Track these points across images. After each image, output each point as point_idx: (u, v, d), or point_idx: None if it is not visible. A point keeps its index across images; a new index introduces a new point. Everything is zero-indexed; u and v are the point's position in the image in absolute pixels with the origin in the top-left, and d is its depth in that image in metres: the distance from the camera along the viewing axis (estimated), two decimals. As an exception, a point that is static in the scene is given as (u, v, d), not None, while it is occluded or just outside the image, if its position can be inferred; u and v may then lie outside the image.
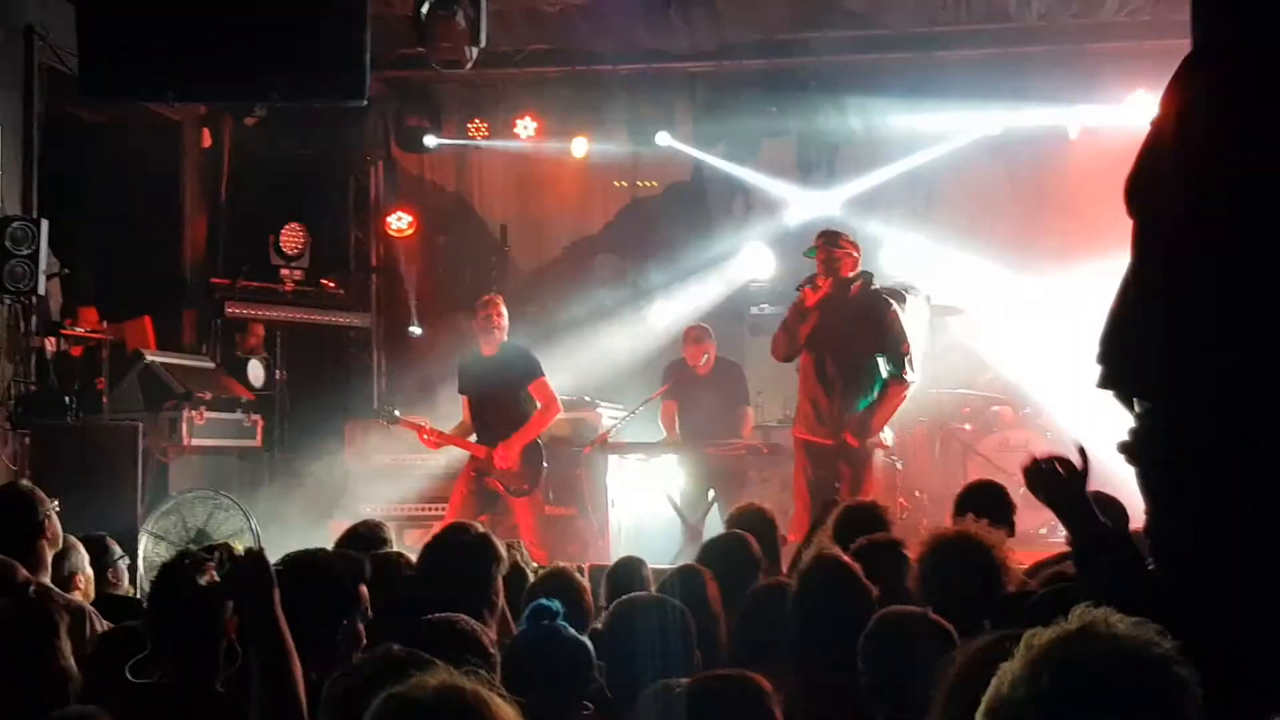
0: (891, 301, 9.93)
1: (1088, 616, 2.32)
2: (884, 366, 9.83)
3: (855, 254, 10.05)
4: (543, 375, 10.88)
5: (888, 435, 10.04)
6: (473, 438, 10.88)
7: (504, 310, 10.92)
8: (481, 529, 5.72)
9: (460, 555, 5.42)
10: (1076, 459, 4.05)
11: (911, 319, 10.08)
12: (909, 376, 9.88)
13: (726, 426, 11.65)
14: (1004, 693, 2.30)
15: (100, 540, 7.25)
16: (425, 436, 10.92)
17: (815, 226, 14.65)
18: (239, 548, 4.02)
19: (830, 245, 9.99)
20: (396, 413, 11.44)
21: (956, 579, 4.80)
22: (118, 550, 7.45)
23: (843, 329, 9.88)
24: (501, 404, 10.82)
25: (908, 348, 9.86)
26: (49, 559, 6.11)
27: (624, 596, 4.86)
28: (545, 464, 10.94)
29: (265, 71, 10.01)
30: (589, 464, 11.82)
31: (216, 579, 4.00)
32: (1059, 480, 4.05)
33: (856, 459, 9.86)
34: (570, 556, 10.78)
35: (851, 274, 9.98)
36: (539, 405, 10.84)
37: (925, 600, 4.73)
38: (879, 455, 10.04)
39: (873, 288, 10.04)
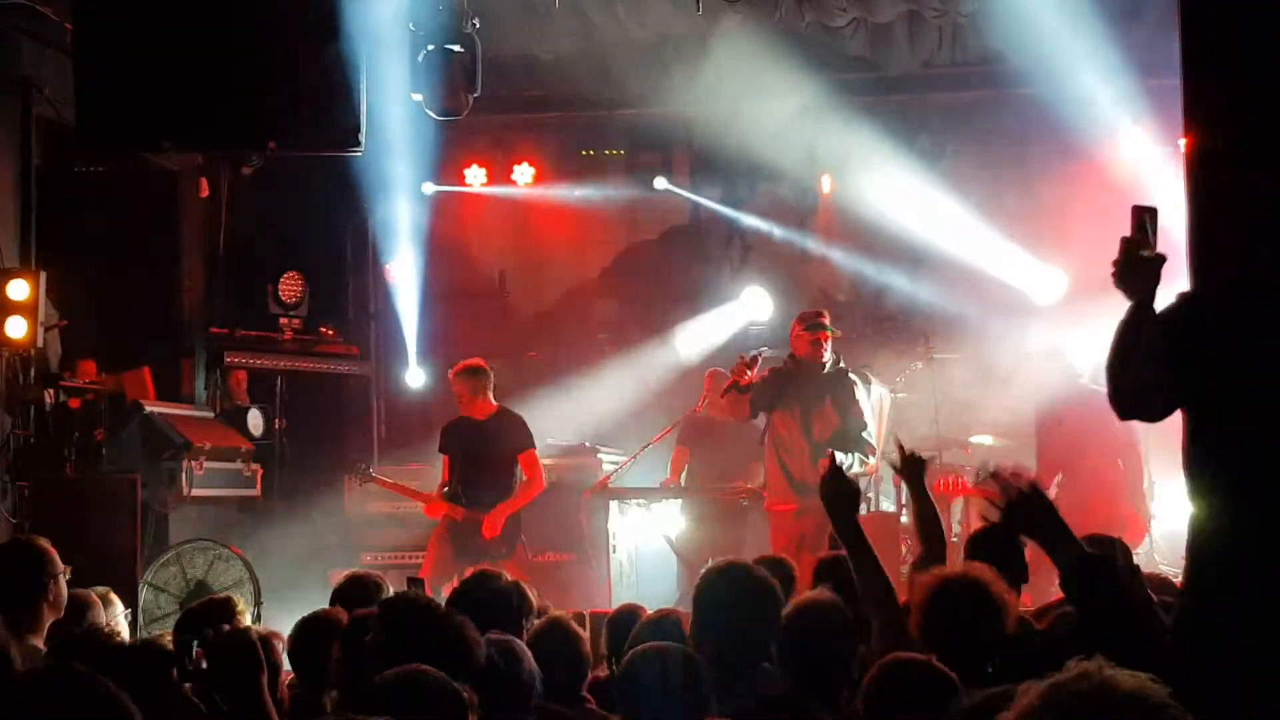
0: (856, 380, 10.39)
1: (1081, 665, 2.32)
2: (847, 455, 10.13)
3: (835, 335, 10.48)
4: (534, 447, 10.92)
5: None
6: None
7: (486, 387, 10.91)
8: (510, 578, 5.71)
9: (490, 603, 5.40)
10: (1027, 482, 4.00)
11: (868, 398, 10.62)
12: (870, 459, 10.36)
13: (734, 478, 11.66)
14: None
15: (103, 595, 7.21)
16: (434, 509, 10.90)
17: (815, 270, 14.84)
18: (244, 611, 3.98)
19: (814, 330, 10.35)
20: (371, 471, 11.44)
21: (957, 622, 4.77)
22: (120, 605, 7.41)
23: (817, 398, 10.26)
24: (490, 469, 10.81)
25: (867, 436, 10.35)
26: (47, 623, 6.02)
27: (639, 647, 4.84)
28: (520, 528, 10.95)
29: (262, 121, 10.03)
30: (589, 509, 11.78)
31: (203, 666, 3.96)
32: (1033, 507, 3.97)
33: (816, 521, 10.01)
34: (570, 603, 10.75)
35: (828, 349, 10.38)
36: (525, 478, 10.86)
37: (927, 644, 4.70)
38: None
39: (841, 365, 10.43)
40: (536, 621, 5.76)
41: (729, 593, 4.98)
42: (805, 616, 5.00)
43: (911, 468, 7.20)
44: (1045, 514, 3.94)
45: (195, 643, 4.01)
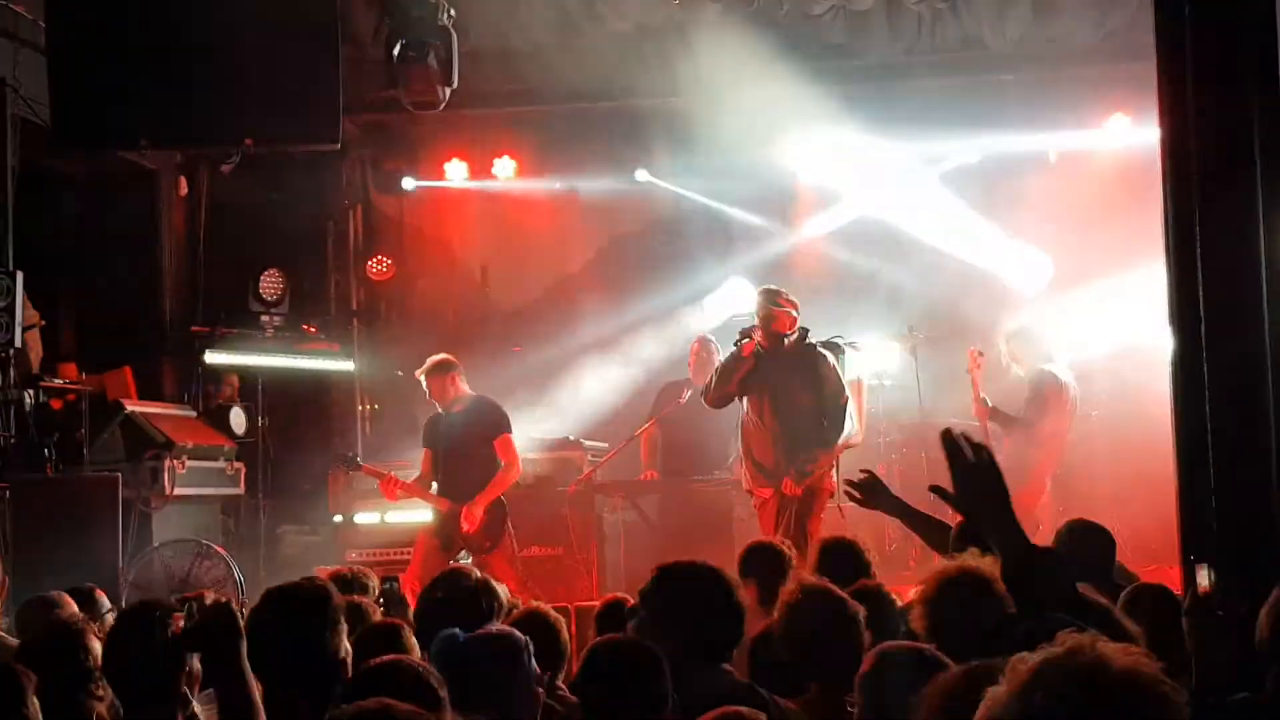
0: (827, 354, 10.08)
1: (1075, 639, 2.31)
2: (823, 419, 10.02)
3: (793, 311, 10.17)
4: (509, 432, 10.80)
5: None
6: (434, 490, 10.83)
7: (455, 379, 10.84)
8: (479, 575, 5.69)
9: (458, 604, 5.37)
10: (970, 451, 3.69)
11: (847, 373, 10.32)
12: (848, 426, 10.08)
13: (712, 457, 11.65)
14: (994, 716, 2.28)
15: (89, 593, 7.19)
16: (388, 486, 10.86)
17: (798, 259, 14.83)
18: (209, 598, 4.02)
19: (769, 303, 10.09)
20: (358, 459, 11.41)
21: (965, 614, 4.75)
22: (106, 603, 7.38)
23: (781, 381, 10.05)
24: (467, 459, 10.73)
25: (845, 399, 10.08)
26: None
27: (598, 640, 4.82)
28: (508, 518, 10.81)
29: (239, 118, 10.01)
30: (574, 503, 11.76)
31: (180, 630, 4.01)
32: (984, 481, 3.67)
33: (800, 504, 9.95)
34: (557, 597, 10.74)
35: (788, 330, 10.08)
36: (502, 464, 10.78)
37: (931, 637, 4.68)
38: (826, 504, 10.11)
39: (808, 342, 10.17)
40: (515, 612, 5.74)
41: (691, 593, 4.94)
42: (804, 606, 4.99)
43: (872, 493, 6.93)
44: (996, 493, 3.66)
45: (175, 610, 4.06)
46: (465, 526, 10.54)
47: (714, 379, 10.21)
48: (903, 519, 6.87)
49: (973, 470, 3.65)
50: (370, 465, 11.42)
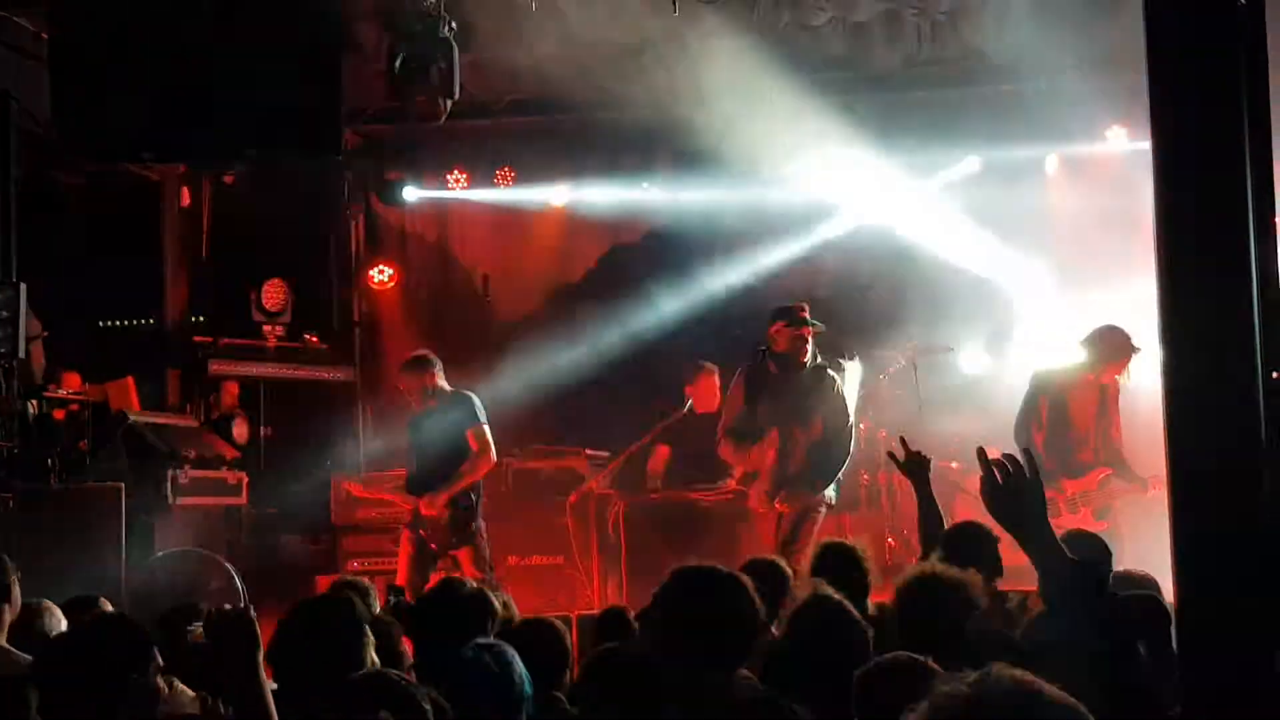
0: (836, 377, 10.09)
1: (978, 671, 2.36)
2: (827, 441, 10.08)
3: (812, 327, 10.19)
4: (480, 422, 10.55)
5: (831, 494, 10.14)
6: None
7: (433, 375, 10.70)
8: (476, 585, 5.71)
9: (453, 612, 5.40)
10: (1025, 465, 3.81)
11: (848, 387, 10.42)
12: (849, 448, 10.17)
13: (716, 465, 11.70)
14: None
15: (93, 601, 7.21)
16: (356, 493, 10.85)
17: (795, 268, 14.84)
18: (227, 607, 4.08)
19: (797, 325, 10.11)
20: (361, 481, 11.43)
21: (927, 617, 4.81)
22: (109, 609, 7.41)
23: (792, 403, 10.07)
24: (442, 453, 10.57)
25: (849, 432, 10.14)
26: (6, 623, 6.12)
27: (598, 649, 4.86)
28: (479, 518, 10.56)
29: (241, 129, 10.02)
30: (575, 512, 11.78)
31: (200, 638, 4.09)
32: (1017, 498, 3.78)
33: (794, 518, 9.97)
34: (558, 606, 10.75)
35: (805, 353, 10.13)
36: (473, 452, 10.52)
37: (903, 636, 4.74)
38: (823, 512, 10.13)
39: (819, 362, 10.19)
40: (517, 622, 5.77)
41: (704, 599, 4.92)
42: (811, 613, 5.02)
43: (915, 467, 7.27)
44: (1035, 509, 3.77)
45: (195, 621, 4.15)
46: (425, 510, 10.34)
47: (733, 451, 10.30)
48: (919, 501, 7.34)
49: (1007, 490, 3.73)
50: (374, 489, 11.42)
